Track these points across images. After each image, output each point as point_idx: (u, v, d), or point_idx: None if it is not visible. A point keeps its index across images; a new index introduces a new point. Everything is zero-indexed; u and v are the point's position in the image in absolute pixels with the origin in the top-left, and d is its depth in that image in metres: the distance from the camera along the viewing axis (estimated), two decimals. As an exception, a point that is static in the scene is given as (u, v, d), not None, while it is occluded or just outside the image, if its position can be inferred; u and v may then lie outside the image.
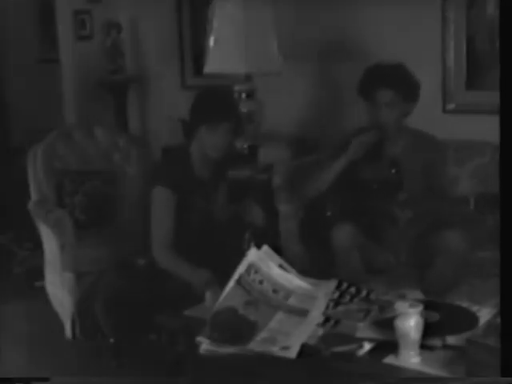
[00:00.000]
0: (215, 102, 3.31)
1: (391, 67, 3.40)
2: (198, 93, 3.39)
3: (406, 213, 3.34)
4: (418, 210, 3.35)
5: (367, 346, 2.38)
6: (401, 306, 2.34)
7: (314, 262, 3.53)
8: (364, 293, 2.68)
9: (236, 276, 2.63)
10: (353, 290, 2.69)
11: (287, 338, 2.44)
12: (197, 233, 3.29)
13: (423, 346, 2.33)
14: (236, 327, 2.51)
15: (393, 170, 3.35)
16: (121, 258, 3.57)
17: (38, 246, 4.32)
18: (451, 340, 2.38)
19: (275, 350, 2.40)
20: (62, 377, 3.36)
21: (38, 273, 4.33)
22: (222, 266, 2.79)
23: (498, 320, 2.22)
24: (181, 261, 3.15)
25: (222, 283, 2.67)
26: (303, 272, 2.79)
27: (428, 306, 2.45)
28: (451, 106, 4.18)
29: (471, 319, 2.50)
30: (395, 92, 3.35)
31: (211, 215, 3.37)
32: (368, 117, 3.44)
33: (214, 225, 3.36)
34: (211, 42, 4.26)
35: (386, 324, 2.40)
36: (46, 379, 2.65)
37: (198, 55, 4.87)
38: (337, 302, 2.62)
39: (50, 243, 4.01)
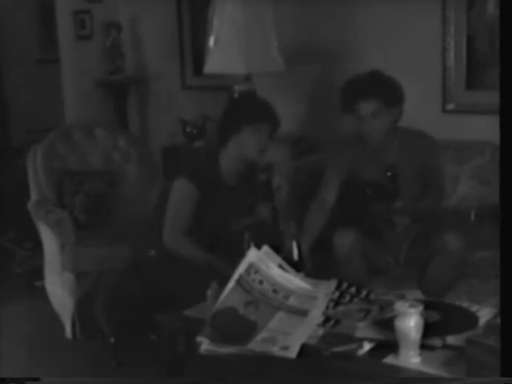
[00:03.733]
0: (258, 104, 3.41)
1: (367, 76, 3.32)
2: (233, 97, 3.43)
3: (403, 219, 3.32)
4: (414, 217, 3.33)
5: (367, 346, 2.37)
6: (401, 306, 2.34)
7: (313, 262, 3.53)
8: (364, 293, 2.68)
9: (236, 276, 2.63)
10: (353, 290, 2.69)
11: (287, 337, 2.44)
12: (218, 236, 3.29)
13: (423, 346, 2.33)
14: (236, 327, 2.51)
15: (388, 173, 3.31)
16: (121, 257, 3.57)
17: (38, 245, 4.32)
18: (451, 340, 2.38)
19: (275, 350, 2.40)
20: (52, 377, 3.35)
21: (38, 273, 4.33)
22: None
23: (498, 320, 2.22)
24: (194, 246, 3.23)
25: (222, 283, 2.67)
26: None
27: (428, 305, 2.45)
28: (451, 106, 4.18)
29: (471, 319, 2.50)
30: (376, 100, 3.25)
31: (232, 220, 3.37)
32: (354, 129, 3.34)
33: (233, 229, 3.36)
34: (211, 41, 4.26)
35: (386, 324, 2.40)
36: (37, 379, 2.63)
37: (198, 55, 4.87)
38: (337, 302, 2.62)
39: (49, 243, 4.00)
